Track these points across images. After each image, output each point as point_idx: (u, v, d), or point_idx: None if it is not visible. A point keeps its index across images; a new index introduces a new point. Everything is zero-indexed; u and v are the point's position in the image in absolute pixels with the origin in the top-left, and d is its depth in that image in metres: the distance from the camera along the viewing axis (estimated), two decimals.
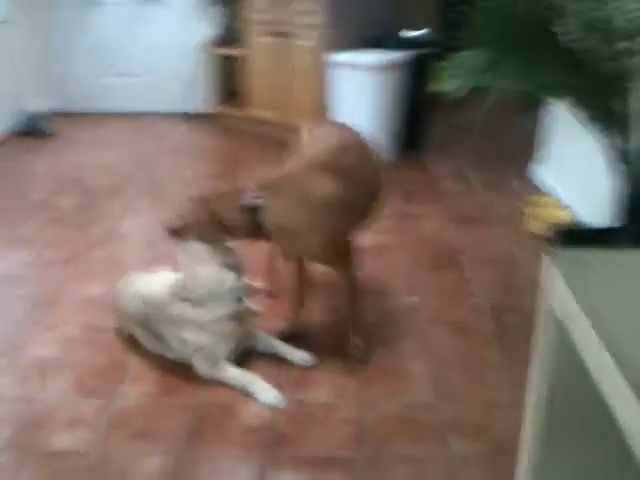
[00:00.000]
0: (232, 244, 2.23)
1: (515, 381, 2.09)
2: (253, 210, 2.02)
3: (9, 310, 2.54)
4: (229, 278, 2.12)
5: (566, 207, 3.39)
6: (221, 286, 2.11)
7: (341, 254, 2.14)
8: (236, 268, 2.15)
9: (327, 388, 2.09)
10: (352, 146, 2.24)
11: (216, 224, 2.07)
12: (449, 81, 2.38)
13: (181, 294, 2.11)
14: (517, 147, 4.62)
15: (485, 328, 2.42)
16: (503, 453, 1.78)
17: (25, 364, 2.21)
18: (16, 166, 4.34)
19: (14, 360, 2.22)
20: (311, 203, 2.03)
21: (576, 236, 2.79)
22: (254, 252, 2.62)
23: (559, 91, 2.50)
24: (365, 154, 2.28)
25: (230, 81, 5.57)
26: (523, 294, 2.66)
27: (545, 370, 1.13)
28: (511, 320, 2.46)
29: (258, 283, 2.57)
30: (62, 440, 1.86)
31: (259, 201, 2.02)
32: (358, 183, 2.14)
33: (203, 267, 2.10)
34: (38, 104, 5.45)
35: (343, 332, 2.25)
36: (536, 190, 3.78)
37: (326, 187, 2.04)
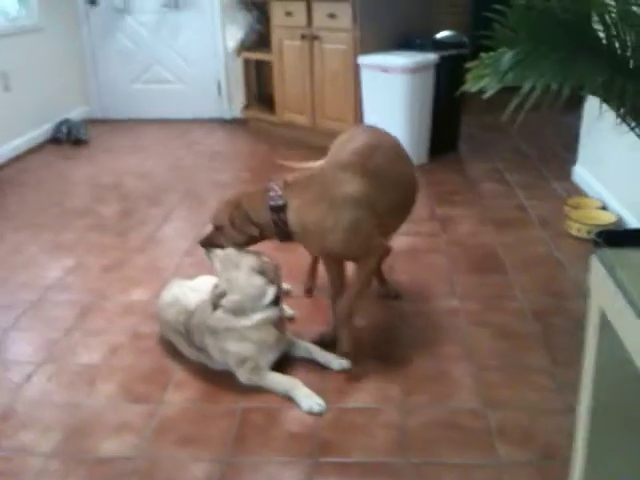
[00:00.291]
0: (267, 249, 2.24)
1: (562, 385, 2.06)
2: (278, 209, 2.04)
3: (54, 317, 2.58)
4: (266, 284, 2.12)
5: (608, 209, 3.33)
6: (259, 293, 2.11)
7: (364, 251, 2.11)
8: (272, 274, 2.15)
9: (369, 394, 2.08)
10: (381, 147, 2.24)
11: (248, 224, 2.09)
12: (477, 81, 2.36)
13: (220, 303, 2.10)
14: (558, 148, 4.56)
15: (529, 331, 2.39)
16: (553, 460, 1.77)
17: (72, 370, 2.24)
18: (54, 173, 4.42)
19: (61, 366, 2.26)
20: (332, 201, 2.03)
21: (619, 237, 2.74)
22: (285, 255, 2.63)
23: (597, 88, 2.46)
24: (395, 155, 2.28)
25: (262, 86, 5.60)
26: (566, 296, 2.62)
27: (595, 372, 1.11)
28: (555, 323, 2.43)
29: (288, 286, 2.58)
30: (109, 446, 1.88)
31: (282, 200, 2.04)
32: (386, 184, 2.13)
33: (240, 274, 2.10)
34: (74, 111, 5.55)
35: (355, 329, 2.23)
36: (578, 191, 3.72)
37: (349, 186, 2.04)
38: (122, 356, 2.31)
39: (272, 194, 2.06)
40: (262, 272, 2.12)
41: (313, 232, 2.06)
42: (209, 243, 2.19)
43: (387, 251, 2.17)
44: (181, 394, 2.11)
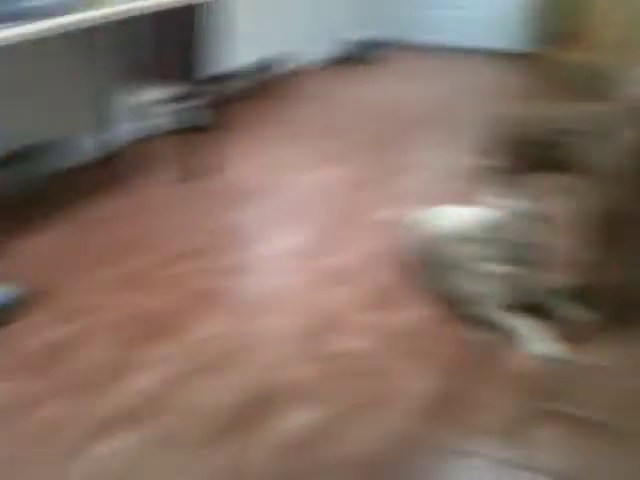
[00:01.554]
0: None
1: None
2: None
3: (314, 219, 2.76)
4: (536, 231, 2.03)
5: None
6: (527, 240, 2.02)
7: None
8: (538, 215, 2.04)
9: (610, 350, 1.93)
10: None
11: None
12: None
13: (481, 240, 2.08)
14: None
15: None
16: None
17: (318, 269, 2.39)
18: (329, 91, 4.64)
19: (311, 265, 2.42)
20: None
21: None
22: None
23: None
24: None
25: (561, 20, 5.20)
26: None
27: None
28: None
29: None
30: (343, 343, 1.98)
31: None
32: None
33: (513, 219, 2.03)
34: (366, 32, 5.70)
35: None
36: None
37: None
38: (365, 266, 2.40)
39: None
40: (531, 216, 2.02)
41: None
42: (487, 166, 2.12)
43: None
44: (411, 311, 2.14)
